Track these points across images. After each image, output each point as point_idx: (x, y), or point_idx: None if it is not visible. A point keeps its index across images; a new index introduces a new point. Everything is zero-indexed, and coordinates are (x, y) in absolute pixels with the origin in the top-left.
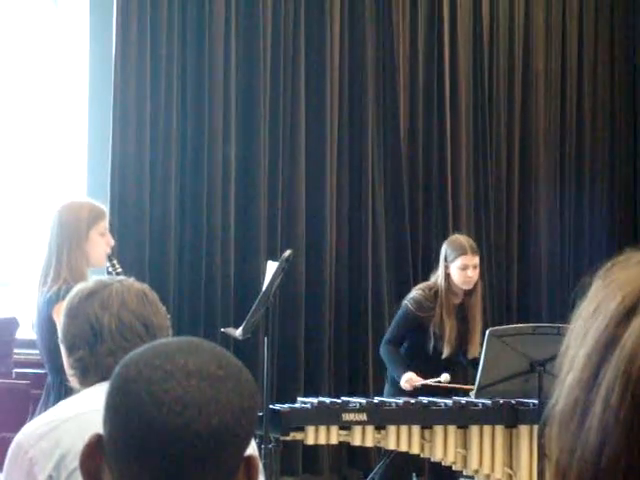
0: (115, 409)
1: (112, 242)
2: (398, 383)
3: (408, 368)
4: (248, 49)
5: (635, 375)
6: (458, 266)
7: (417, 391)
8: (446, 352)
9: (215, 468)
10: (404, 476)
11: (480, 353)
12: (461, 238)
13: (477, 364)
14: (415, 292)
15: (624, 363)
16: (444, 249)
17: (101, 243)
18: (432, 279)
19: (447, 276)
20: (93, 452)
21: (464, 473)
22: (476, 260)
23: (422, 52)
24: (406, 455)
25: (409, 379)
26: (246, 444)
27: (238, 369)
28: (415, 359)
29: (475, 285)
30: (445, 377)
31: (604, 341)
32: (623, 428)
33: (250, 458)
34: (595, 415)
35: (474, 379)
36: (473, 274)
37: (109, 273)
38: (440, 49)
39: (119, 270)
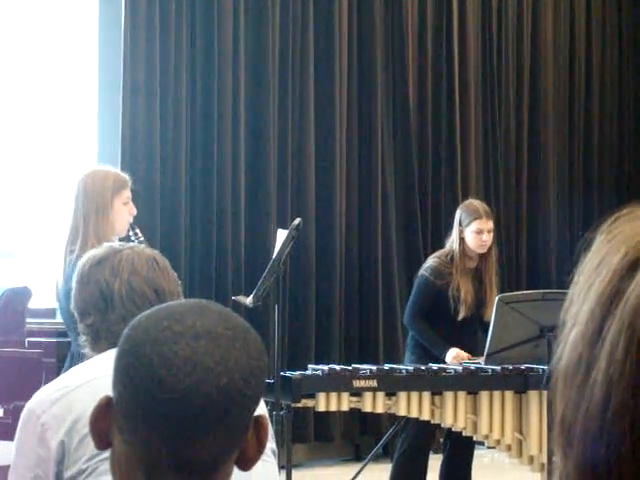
0: (124, 371)
1: (135, 211)
2: (421, 350)
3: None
4: (257, 25)
5: (639, 329)
6: (473, 230)
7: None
8: (462, 314)
9: (224, 428)
10: (421, 453)
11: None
12: (475, 203)
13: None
14: (431, 260)
15: (628, 317)
16: (458, 213)
17: (124, 212)
18: (447, 244)
19: (462, 240)
20: (103, 414)
21: (474, 438)
22: (490, 224)
23: (430, 24)
24: (423, 431)
25: (456, 355)
26: (255, 404)
27: (246, 330)
28: (437, 324)
29: (489, 249)
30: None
31: (608, 295)
32: (628, 382)
33: (259, 418)
34: (600, 369)
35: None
36: (488, 238)
37: (131, 242)
38: (449, 21)
39: (141, 239)
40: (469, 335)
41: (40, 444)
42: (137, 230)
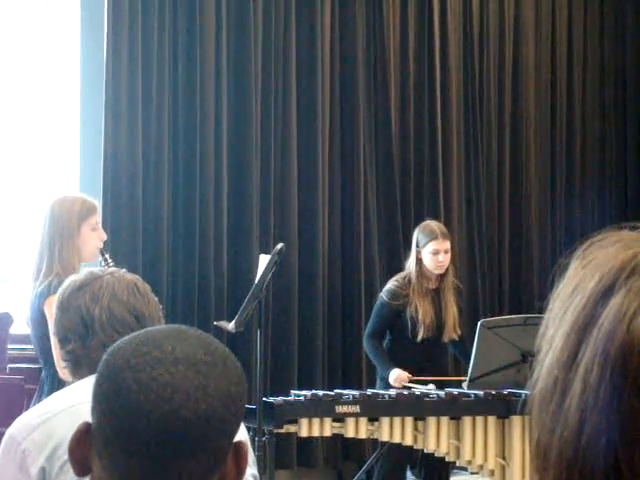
0: (103, 397)
1: (104, 236)
2: (387, 378)
3: (392, 356)
4: (239, 45)
5: (613, 354)
6: (430, 251)
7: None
8: (420, 335)
9: (203, 453)
10: (400, 470)
11: (456, 336)
12: (432, 224)
13: (457, 343)
14: (389, 283)
15: (602, 342)
16: (415, 235)
17: (93, 237)
18: (406, 267)
19: (419, 261)
20: (82, 440)
21: (457, 464)
22: (447, 245)
23: (412, 42)
24: (401, 449)
25: (397, 377)
26: (235, 430)
27: (225, 355)
28: (397, 347)
29: (447, 269)
30: (431, 387)
31: (582, 321)
32: (602, 407)
33: (239, 443)
34: (574, 394)
35: (455, 361)
36: (444, 259)
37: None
38: (430, 40)
39: (111, 265)
40: (430, 357)
41: (20, 470)
42: (107, 256)
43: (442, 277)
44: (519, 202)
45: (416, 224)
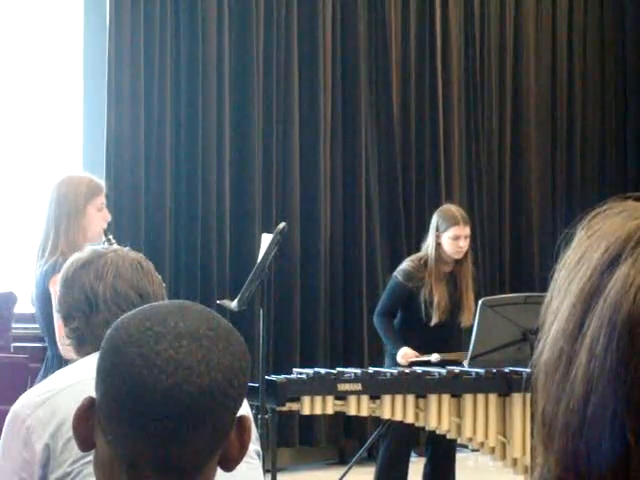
0: (107, 372)
1: (109, 217)
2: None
3: (403, 338)
4: (241, 31)
5: (620, 324)
6: (450, 236)
7: (413, 364)
8: (435, 319)
9: (207, 428)
10: (405, 451)
11: (473, 322)
12: (453, 208)
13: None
14: (405, 263)
15: (609, 312)
16: (435, 219)
17: (98, 218)
18: (422, 248)
19: (438, 245)
20: (86, 415)
21: (458, 441)
22: (467, 230)
23: (414, 28)
24: (406, 430)
25: (404, 354)
26: (238, 404)
27: (228, 330)
28: (409, 328)
29: (465, 254)
30: (435, 357)
31: (588, 291)
32: (609, 377)
33: (242, 418)
34: (580, 365)
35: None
36: (464, 244)
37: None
38: (432, 27)
39: (115, 246)
40: (442, 340)
41: (25, 447)
42: (110, 236)
43: (458, 261)
44: (520, 181)
45: (417, 204)
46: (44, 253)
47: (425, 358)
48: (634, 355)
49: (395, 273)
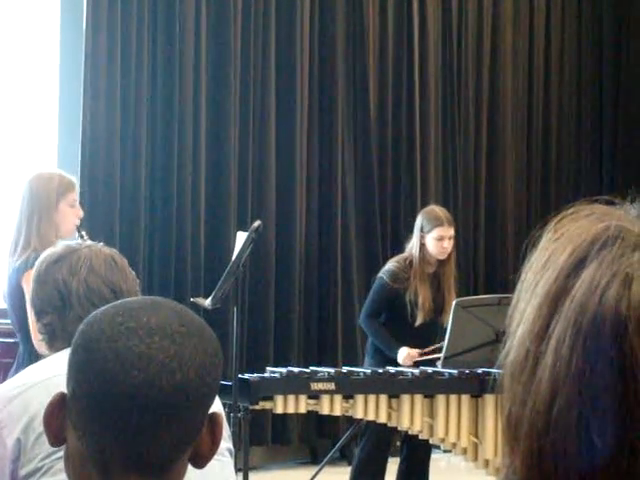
0: (78, 367)
1: (81, 214)
2: (380, 356)
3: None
4: (219, 27)
5: (585, 326)
6: (434, 237)
7: (419, 363)
8: (419, 320)
9: (178, 424)
10: (381, 454)
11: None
12: (437, 209)
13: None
14: (390, 264)
15: (574, 314)
16: (420, 219)
17: (70, 214)
18: (406, 249)
19: (422, 246)
20: (57, 411)
21: (430, 441)
22: (452, 231)
23: (392, 28)
24: (383, 432)
25: (407, 355)
26: (210, 401)
27: (201, 326)
28: (393, 329)
29: (449, 255)
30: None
31: (554, 293)
32: (574, 379)
33: (214, 415)
34: (546, 366)
35: None
36: (449, 245)
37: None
38: (410, 27)
39: (88, 241)
40: (426, 340)
41: None
42: (83, 233)
43: (441, 262)
44: (495, 182)
45: (393, 204)
46: (16, 249)
47: (432, 356)
48: (599, 356)
49: (381, 274)
